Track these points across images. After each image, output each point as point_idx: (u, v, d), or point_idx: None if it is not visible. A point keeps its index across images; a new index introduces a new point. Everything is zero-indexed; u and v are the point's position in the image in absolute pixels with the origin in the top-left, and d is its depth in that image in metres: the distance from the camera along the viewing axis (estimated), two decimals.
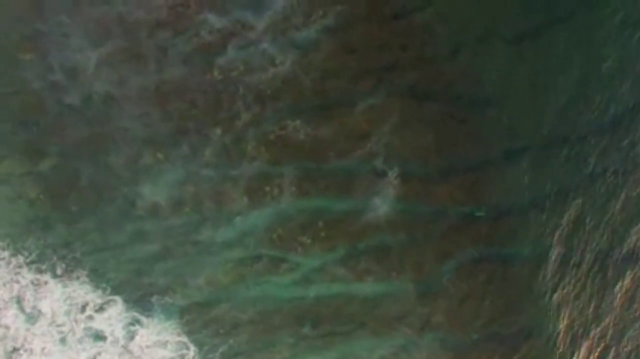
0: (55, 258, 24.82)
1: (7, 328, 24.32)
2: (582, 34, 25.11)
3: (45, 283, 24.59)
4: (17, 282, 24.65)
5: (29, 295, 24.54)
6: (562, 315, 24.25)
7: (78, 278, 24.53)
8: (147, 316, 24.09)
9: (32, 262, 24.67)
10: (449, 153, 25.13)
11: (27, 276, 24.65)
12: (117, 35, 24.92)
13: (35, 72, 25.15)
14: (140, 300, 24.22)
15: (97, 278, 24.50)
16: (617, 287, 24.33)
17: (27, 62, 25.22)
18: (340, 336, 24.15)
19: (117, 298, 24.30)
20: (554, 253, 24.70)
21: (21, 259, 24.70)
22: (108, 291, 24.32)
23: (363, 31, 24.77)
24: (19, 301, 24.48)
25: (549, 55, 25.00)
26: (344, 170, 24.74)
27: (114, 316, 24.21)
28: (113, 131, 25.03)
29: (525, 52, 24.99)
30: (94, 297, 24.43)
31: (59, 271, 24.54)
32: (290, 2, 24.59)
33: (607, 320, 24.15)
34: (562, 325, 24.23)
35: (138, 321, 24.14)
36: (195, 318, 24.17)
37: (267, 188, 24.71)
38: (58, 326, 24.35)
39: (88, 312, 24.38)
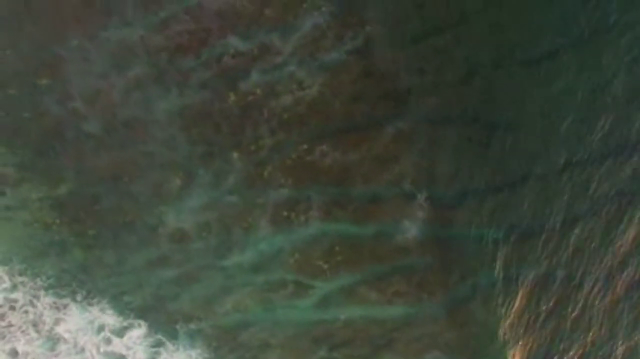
0: (73, 282, 24.74)
1: (25, 354, 24.08)
2: (593, 58, 25.54)
3: (65, 306, 24.50)
4: (35, 306, 24.49)
5: (47, 319, 24.38)
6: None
7: (98, 302, 24.39)
8: (172, 342, 23.96)
9: (51, 286, 24.68)
10: (468, 177, 25.34)
11: (46, 299, 24.56)
12: (140, 59, 24.79)
13: (54, 97, 24.96)
14: (165, 326, 24.10)
15: (118, 302, 24.37)
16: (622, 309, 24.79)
17: (45, 88, 25.05)
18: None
19: (141, 322, 24.19)
20: (559, 276, 25.05)
21: (39, 282, 24.58)
22: (130, 316, 24.18)
23: (382, 55, 24.88)
24: (36, 324, 24.28)
25: (562, 78, 25.32)
26: (371, 194, 24.83)
27: (136, 340, 24.05)
28: (133, 155, 24.95)
29: (540, 76, 25.18)
30: (115, 321, 24.29)
31: (77, 296, 24.48)
32: (318, 24, 24.51)
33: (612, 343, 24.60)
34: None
35: (162, 345, 24.00)
36: (222, 344, 24.13)
37: (293, 213, 24.72)
38: (78, 350, 24.14)
39: (109, 335, 24.21)
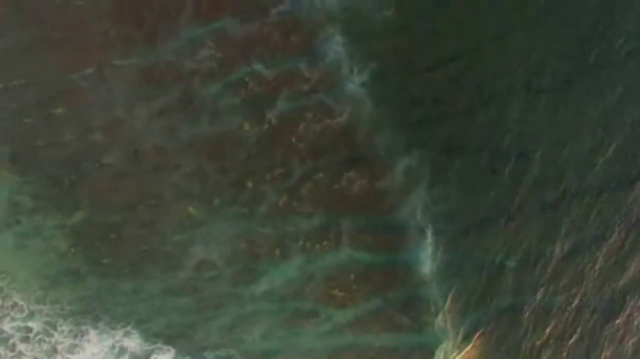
0: (91, 310, 24.70)
1: None
2: (603, 85, 25.60)
3: (83, 333, 24.46)
4: (50, 335, 24.52)
5: (66, 347, 24.39)
6: None
7: (120, 328, 24.42)
8: None
9: (69, 314, 24.64)
10: (481, 204, 25.39)
11: (63, 327, 24.54)
12: (165, 87, 24.85)
13: (70, 127, 25.02)
14: (193, 352, 24.28)
15: (141, 328, 24.47)
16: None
17: (61, 117, 25.11)
18: None
19: (168, 348, 24.33)
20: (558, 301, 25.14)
21: (57, 310, 24.59)
22: (156, 342, 24.33)
23: (397, 84, 24.97)
24: (54, 352, 24.32)
25: (572, 106, 25.41)
26: (394, 223, 24.93)
27: None
28: (152, 184, 25.01)
29: (552, 104, 25.26)
30: (139, 346, 24.37)
31: (99, 323, 24.39)
32: (339, 53, 24.59)
33: None
34: None
35: None
36: None
37: (324, 242, 24.89)
38: None
39: None
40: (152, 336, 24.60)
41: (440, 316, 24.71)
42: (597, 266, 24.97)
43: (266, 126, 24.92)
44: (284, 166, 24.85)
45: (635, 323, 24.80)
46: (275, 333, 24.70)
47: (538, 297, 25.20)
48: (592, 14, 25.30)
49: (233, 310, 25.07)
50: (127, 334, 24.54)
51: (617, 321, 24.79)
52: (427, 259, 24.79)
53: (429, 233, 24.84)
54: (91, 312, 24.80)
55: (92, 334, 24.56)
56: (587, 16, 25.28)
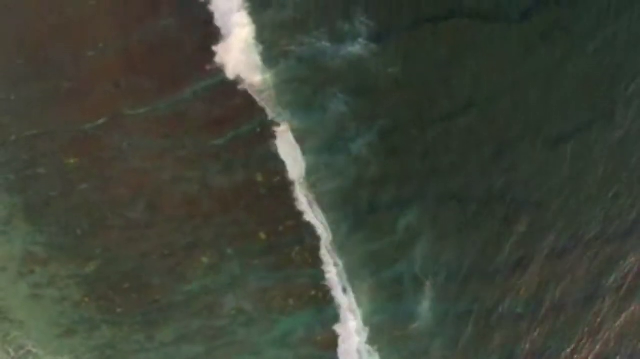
0: (103, 358, 24.96)
1: None
2: (616, 134, 25.50)
3: None
4: None
5: None
6: None
7: None
8: None
9: None
10: (491, 253, 25.39)
11: None
12: (177, 137, 25.02)
13: (83, 177, 25.13)
14: None
15: None
16: None
17: (74, 167, 25.21)
18: None
19: None
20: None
21: None
22: None
23: (407, 137, 24.87)
24: None
25: (585, 156, 25.35)
26: (392, 276, 24.95)
27: None
28: (163, 235, 25.05)
29: (565, 153, 25.20)
30: None
31: None
32: (344, 113, 24.54)
33: None
34: None
35: None
36: None
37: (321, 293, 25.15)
38: None
39: None
40: None
41: None
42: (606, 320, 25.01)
43: (278, 178, 24.80)
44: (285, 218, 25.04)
45: None
46: None
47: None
48: (603, 63, 25.12)
49: (247, 358, 25.18)
50: None
51: None
52: (424, 311, 24.79)
53: (428, 286, 24.76)
54: None
55: None
56: (598, 65, 25.08)
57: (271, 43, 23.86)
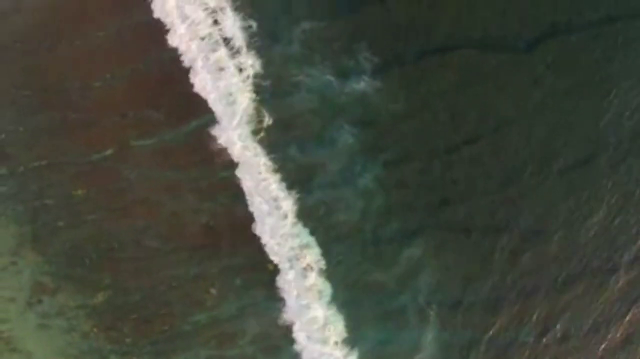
0: None
1: None
2: (626, 165, 25.57)
3: None
4: None
5: None
6: None
7: None
8: None
9: None
10: (497, 282, 25.47)
11: None
12: (183, 168, 25.15)
13: (90, 208, 25.21)
14: None
15: None
16: None
17: (81, 198, 25.27)
18: None
19: None
20: None
21: None
22: None
23: (415, 166, 24.93)
24: None
25: (593, 186, 25.40)
26: (396, 306, 25.07)
27: None
28: (171, 266, 25.18)
29: (573, 183, 25.28)
30: None
31: None
32: (352, 146, 24.63)
33: None
34: None
35: None
36: None
37: None
38: None
39: None
40: None
41: None
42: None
43: None
44: None
45: None
46: None
47: None
48: (610, 94, 25.17)
49: None
50: None
51: None
52: (428, 341, 24.93)
53: (432, 315, 24.89)
54: None
55: None
56: (605, 96, 25.12)
57: (279, 76, 23.82)
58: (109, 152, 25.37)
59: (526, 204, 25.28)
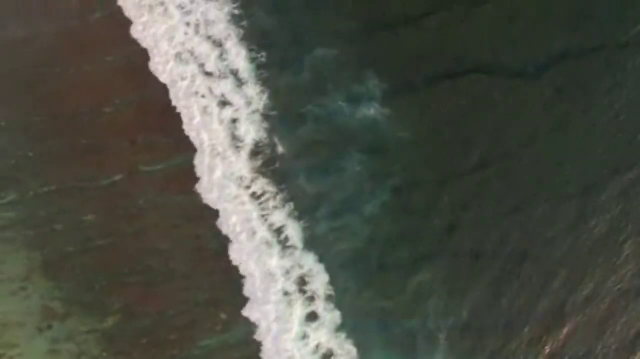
0: None
1: None
2: (635, 189, 25.55)
3: None
4: None
5: None
6: None
7: None
8: None
9: None
10: (507, 306, 25.43)
11: None
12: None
13: (100, 232, 25.27)
14: None
15: None
16: None
17: (91, 222, 25.33)
18: None
19: None
20: None
21: None
22: None
23: (424, 193, 24.91)
24: None
25: (604, 210, 25.39)
26: (405, 331, 25.07)
27: None
28: (180, 291, 25.20)
29: (584, 211, 25.26)
30: None
31: None
32: (360, 174, 24.59)
33: None
34: None
35: None
36: None
37: None
38: None
39: None
40: None
41: None
42: None
43: None
44: None
45: None
46: None
47: None
48: (619, 119, 25.17)
49: None
50: None
51: None
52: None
53: (442, 340, 24.88)
54: None
55: None
56: (615, 122, 25.11)
57: (287, 107, 23.84)
58: (118, 177, 25.45)
59: (537, 229, 25.20)
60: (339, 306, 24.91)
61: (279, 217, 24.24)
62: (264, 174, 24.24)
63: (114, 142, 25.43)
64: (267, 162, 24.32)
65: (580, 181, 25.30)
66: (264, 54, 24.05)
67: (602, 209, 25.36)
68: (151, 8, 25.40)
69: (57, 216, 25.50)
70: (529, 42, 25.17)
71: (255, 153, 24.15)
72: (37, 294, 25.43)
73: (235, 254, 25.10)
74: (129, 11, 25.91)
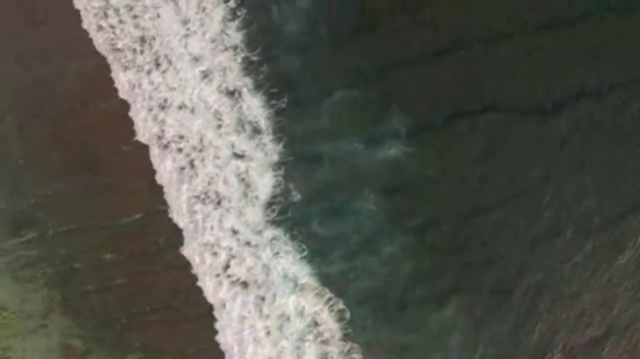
0: None
1: None
2: None
3: None
4: None
5: None
6: None
7: None
8: None
9: None
10: (528, 341, 25.50)
11: None
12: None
13: (119, 271, 25.37)
14: None
15: None
16: None
17: (110, 261, 25.44)
18: None
19: None
20: None
21: None
22: None
23: (444, 231, 24.97)
24: None
25: (628, 243, 25.43)
26: None
27: None
28: (201, 329, 25.31)
29: (604, 245, 25.29)
30: None
31: None
32: (374, 210, 24.53)
33: None
34: None
35: None
36: None
37: None
38: None
39: None
40: None
41: None
42: None
43: None
44: None
45: None
46: None
47: None
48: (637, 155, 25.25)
49: None
50: None
51: None
52: None
53: None
54: None
55: None
56: (631, 158, 25.18)
57: (302, 153, 23.78)
58: (137, 216, 25.58)
59: (556, 265, 25.25)
60: (357, 343, 24.95)
61: (291, 260, 24.03)
62: (277, 223, 23.99)
63: (133, 181, 25.54)
64: (281, 211, 24.07)
65: (597, 217, 25.29)
66: (280, 101, 23.99)
67: (620, 243, 25.38)
68: None
69: (76, 254, 25.64)
70: (546, 79, 25.18)
71: (269, 203, 23.99)
72: (57, 331, 25.61)
73: None
74: None
